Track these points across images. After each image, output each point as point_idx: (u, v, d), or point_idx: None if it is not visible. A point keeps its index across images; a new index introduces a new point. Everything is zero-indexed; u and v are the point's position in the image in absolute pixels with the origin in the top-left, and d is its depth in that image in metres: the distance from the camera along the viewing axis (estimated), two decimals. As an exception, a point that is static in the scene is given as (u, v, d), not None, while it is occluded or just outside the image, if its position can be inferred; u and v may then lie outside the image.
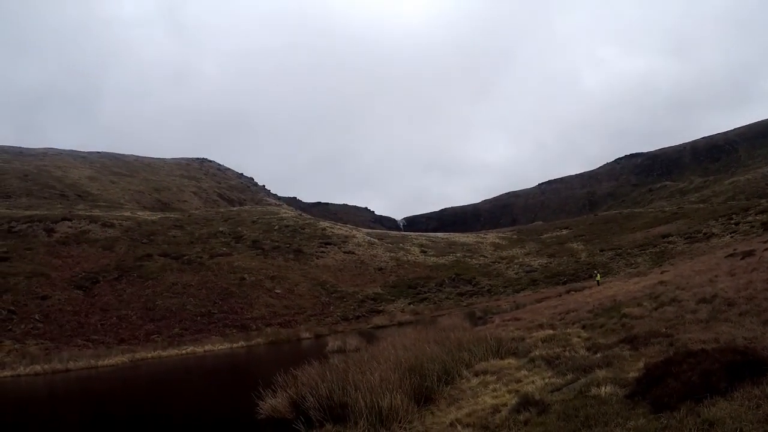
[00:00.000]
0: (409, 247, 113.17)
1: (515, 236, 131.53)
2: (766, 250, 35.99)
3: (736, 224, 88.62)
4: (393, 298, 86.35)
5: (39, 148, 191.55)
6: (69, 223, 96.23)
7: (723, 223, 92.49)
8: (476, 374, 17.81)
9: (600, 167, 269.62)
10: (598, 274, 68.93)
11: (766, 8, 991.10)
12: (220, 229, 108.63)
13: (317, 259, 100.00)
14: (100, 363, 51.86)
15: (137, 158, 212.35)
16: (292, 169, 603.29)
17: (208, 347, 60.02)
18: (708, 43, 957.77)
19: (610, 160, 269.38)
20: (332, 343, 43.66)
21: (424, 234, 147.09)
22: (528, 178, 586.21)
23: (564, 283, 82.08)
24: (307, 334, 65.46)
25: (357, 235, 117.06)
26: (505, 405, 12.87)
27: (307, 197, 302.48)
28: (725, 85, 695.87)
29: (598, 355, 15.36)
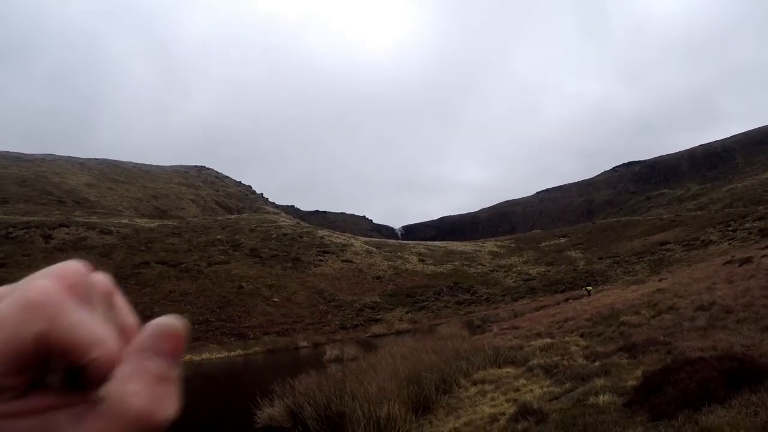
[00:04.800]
0: (407, 256, 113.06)
1: (513, 245, 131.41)
2: (763, 257, 35.99)
3: (734, 231, 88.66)
4: (391, 306, 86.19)
5: (37, 154, 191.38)
6: (66, 230, 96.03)
7: (721, 231, 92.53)
8: (474, 383, 17.78)
9: (598, 175, 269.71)
10: (589, 287, 68.21)
11: (711, 36, 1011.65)
12: (218, 236, 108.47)
13: (315, 267, 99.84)
14: (96, 371, 51.66)
15: (135, 165, 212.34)
16: (284, 179, 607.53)
17: (205, 355, 59.83)
18: (661, 69, 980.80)
19: (608, 168, 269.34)
20: (330, 352, 43.53)
21: (422, 242, 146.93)
22: (501, 195, 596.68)
23: (562, 291, 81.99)
24: (304, 343, 65.26)
25: (355, 244, 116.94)
26: (503, 414, 12.84)
27: (306, 206, 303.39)
28: (685, 106, 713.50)
29: (597, 363, 15.32)
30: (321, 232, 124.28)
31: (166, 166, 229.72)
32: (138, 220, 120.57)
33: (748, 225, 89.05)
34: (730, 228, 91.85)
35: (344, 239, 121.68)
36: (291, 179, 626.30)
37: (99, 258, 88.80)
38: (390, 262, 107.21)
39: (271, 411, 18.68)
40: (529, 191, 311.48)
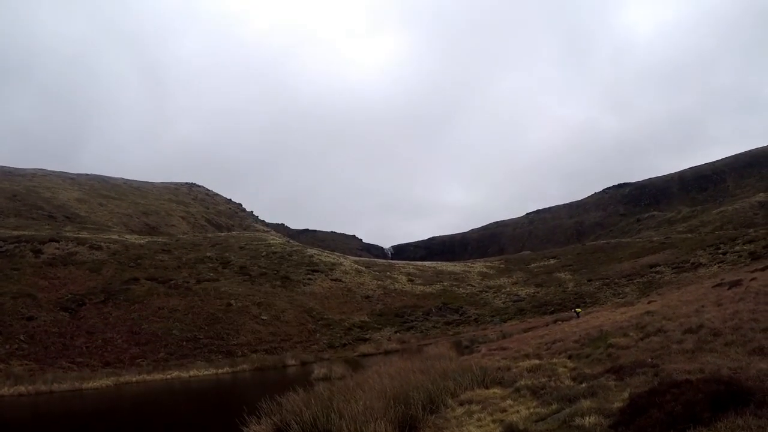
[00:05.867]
0: (396, 276, 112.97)
1: (503, 265, 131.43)
2: (752, 280, 36.13)
3: (724, 254, 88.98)
4: (380, 326, 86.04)
5: (28, 169, 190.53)
6: (56, 245, 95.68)
7: (710, 253, 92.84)
8: (461, 403, 17.75)
9: (588, 197, 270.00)
10: (578, 309, 68.51)
11: (692, 61, 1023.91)
12: (208, 254, 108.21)
13: (304, 286, 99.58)
14: (84, 385, 51.59)
15: (126, 181, 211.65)
16: (275, 198, 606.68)
17: (193, 372, 59.59)
18: (644, 94, 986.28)
19: (598, 190, 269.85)
20: (318, 371, 43.54)
21: (412, 262, 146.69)
22: (490, 216, 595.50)
23: (551, 313, 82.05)
24: (292, 361, 65.11)
25: (344, 263, 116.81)
26: (489, 434, 12.82)
27: (296, 224, 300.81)
28: (669, 131, 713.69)
29: (584, 385, 15.34)
30: (310, 251, 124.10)
31: (157, 183, 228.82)
32: (128, 237, 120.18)
33: (738, 248, 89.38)
34: (720, 251, 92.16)
35: (334, 258, 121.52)
36: (281, 198, 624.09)
37: (89, 273, 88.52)
38: (379, 282, 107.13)
39: (257, 428, 18.62)
40: (518, 213, 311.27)
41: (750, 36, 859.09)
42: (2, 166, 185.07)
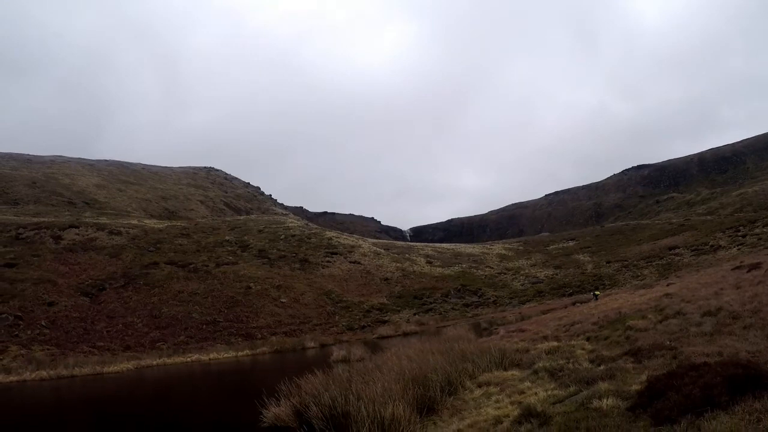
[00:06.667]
0: (415, 258, 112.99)
1: (521, 247, 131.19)
2: (772, 263, 35.85)
3: (743, 236, 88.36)
4: (398, 308, 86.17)
5: (47, 156, 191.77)
6: (76, 231, 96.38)
7: (730, 236, 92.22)
8: (479, 385, 17.82)
9: (607, 178, 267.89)
10: (597, 291, 68.28)
11: (704, 47, 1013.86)
12: (227, 237, 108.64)
13: (323, 268, 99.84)
14: (105, 369, 51.98)
15: (144, 167, 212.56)
16: (293, 181, 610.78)
17: (213, 355, 59.95)
18: (656, 80, 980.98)
19: (617, 171, 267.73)
20: (337, 353, 43.63)
21: (430, 244, 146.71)
22: (500, 201, 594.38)
23: (570, 295, 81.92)
24: (312, 344, 65.37)
25: (363, 245, 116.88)
26: (507, 416, 12.88)
27: (314, 207, 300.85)
28: (683, 116, 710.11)
29: (602, 367, 15.35)
30: (329, 234, 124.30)
31: (175, 168, 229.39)
32: (147, 221, 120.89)
33: (757, 230, 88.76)
34: (739, 233, 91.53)
35: (352, 241, 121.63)
36: (299, 181, 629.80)
37: (108, 258, 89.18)
38: (398, 264, 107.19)
39: (277, 410, 18.81)
40: (532, 196, 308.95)
41: (761, 18, 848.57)
42: (21, 154, 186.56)
